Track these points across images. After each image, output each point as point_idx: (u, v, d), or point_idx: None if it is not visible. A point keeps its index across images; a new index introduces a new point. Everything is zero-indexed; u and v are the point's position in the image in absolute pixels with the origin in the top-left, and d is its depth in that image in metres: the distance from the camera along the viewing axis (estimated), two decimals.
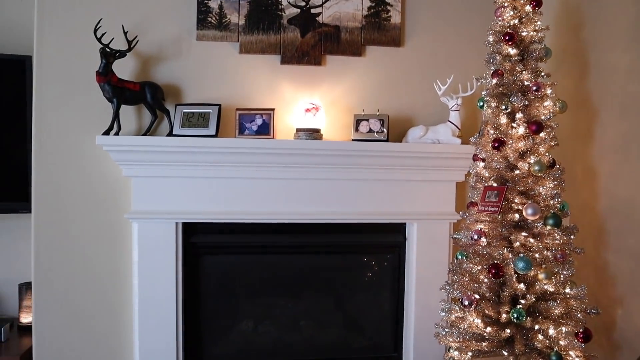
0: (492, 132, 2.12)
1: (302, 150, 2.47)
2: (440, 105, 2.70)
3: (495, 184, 2.06)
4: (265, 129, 2.49)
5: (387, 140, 2.57)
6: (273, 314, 2.77)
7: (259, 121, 2.50)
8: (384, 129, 2.56)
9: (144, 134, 2.52)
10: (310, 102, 2.51)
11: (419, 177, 2.66)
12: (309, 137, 2.48)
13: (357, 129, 2.58)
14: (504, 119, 2.08)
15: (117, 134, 2.44)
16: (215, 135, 2.45)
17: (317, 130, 2.51)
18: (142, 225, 2.52)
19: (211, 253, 2.69)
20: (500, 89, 2.12)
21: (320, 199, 2.60)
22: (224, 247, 2.69)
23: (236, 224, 2.61)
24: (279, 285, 2.77)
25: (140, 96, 2.45)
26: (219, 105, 2.50)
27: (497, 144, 2.06)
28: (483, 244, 2.07)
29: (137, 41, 2.47)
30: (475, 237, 2.09)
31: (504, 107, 2.07)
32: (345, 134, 2.66)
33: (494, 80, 2.14)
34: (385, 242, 2.77)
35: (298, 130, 2.52)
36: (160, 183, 2.50)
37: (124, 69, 2.51)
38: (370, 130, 2.56)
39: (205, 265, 2.68)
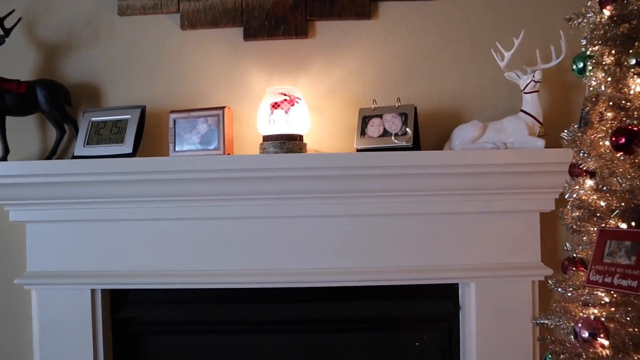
0: (609, 115, 1.03)
1: (269, 171, 1.50)
2: (504, 85, 1.64)
3: (624, 225, 0.96)
4: (211, 139, 1.55)
5: (415, 148, 1.54)
6: None
7: (202, 128, 1.57)
8: (408, 130, 1.53)
9: (47, 158, 1.69)
10: (280, 90, 1.54)
11: (476, 207, 1.59)
12: (279, 148, 1.51)
13: (363, 132, 1.57)
14: (635, 86, 0.99)
15: (3, 159, 1.62)
16: (132, 154, 1.56)
17: (295, 138, 1.54)
18: (44, 295, 1.66)
19: (159, 332, 1.78)
20: (621, 27, 1.03)
21: (310, 249, 1.60)
22: (176, 324, 1.76)
23: (190, 290, 1.68)
24: None
25: (30, 102, 1.62)
26: (142, 107, 1.61)
27: (624, 140, 0.97)
28: (603, 354, 0.97)
29: (19, 20, 1.65)
30: (585, 334, 1.00)
31: (632, 60, 0.99)
32: (347, 142, 1.66)
33: (606, 13, 1.06)
34: (423, 313, 1.71)
35: (264, 138, 1.56)
36: (65, 231, 1.64)
37: (21, 67, 1.71)
38: (386, 133, 1.55)
39: (148, 351, 1.77)
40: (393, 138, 1.52)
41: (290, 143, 1.51)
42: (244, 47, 1.72)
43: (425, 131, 1.64)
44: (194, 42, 1.73)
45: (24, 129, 1.74)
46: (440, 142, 1.66)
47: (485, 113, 1.68)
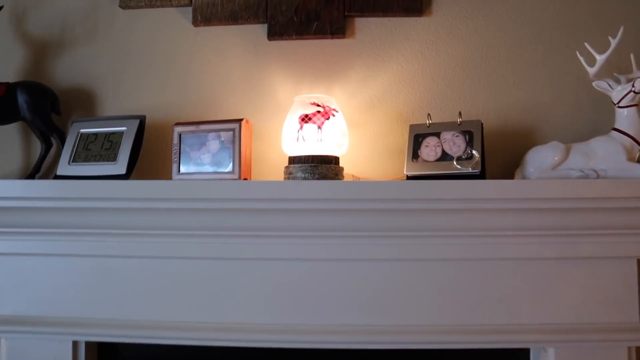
0: None
1: (296, 202, 1.17)
2: (588, 98, 1.31)
3: None
4: (224, 160, 1.24)
5: (482, 175, 1.20)
6: None
7: (214, 145, 1.26)
8: (475, 152, 1.20)
9: (29, 176, 1.40)
10: (313, 100, 1.23)
11: (558, 251, 1.24)
12: (309, 173, 1.19)
13: (415, 155, 1.25)
14: None
15: None
16: (126, 175, 1.25)
17: (329, 160, 1.22)
18: (15, 345, 1.35)
19: None
20: None
21: (343, 300, 1.27)
22: None
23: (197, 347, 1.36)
24: None
25: (9, 107, 1.34)
26: (140, 118, 1.31)
27: None
28: None
29: (1, 8, 1.38)
30: None
31: None
32: (394, 166, 1.34)
33: None
34: None
35: (290, 160, 1.24)
36: (44, 267, 1.33)
37: (4, 67, 1.44)
38: (445, 156, 1.22)
39: None
40: (455, 163, 1.19)
41: (324, 167, 1.19)
42: (268, 48, 1.42)
43: (492, 154, 1.31)
44: (208, 41, 1.44)
45: (4, 141, 1.46)
46: (507, 167, 1.34)
47: (564, 132, 1.35)
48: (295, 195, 1.16)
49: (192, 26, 1.43)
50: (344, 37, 1.40)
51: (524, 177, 1.27)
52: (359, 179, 1.35)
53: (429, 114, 1.28)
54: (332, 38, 1.40)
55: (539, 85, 1.38)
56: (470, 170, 1.18)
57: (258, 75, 1.42)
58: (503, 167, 1.33)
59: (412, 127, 1.29)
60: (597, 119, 1.33)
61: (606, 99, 1.26)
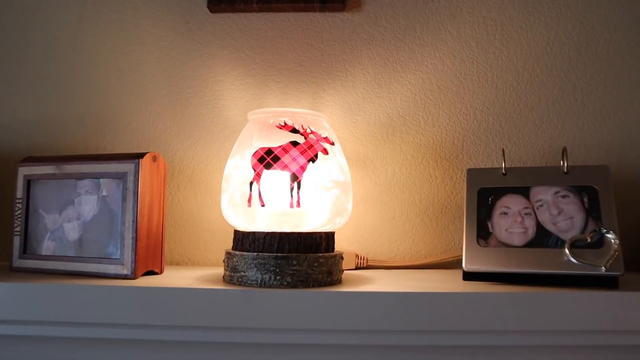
0: None
1: (240, 336, 0.56)
2: None
3: None
4: (105, 236, 0.62)
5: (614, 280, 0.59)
6: None
7: (88, 206, 0.64)
8: (610, 235, 0.59)
9: None
10: (281, 119, 0.61)
11: None
12: (271, 274, 0.57)
13: (484, 231, 0.64)
14: None
15: None
16: None
17: (315, 243, 0.59)
18: None
19: None
20: None
21: None
22: None
23: None
24: None
25: None
26: None
27: None
28: None
29: None
30: None
31: None
32: (431, 239, 0.73)
33: None
34: None
35: (236, 240, 0.62)
36: None
37: None
38: (543, 237, 0.61)
39: None
40: (568, 251, 0.59)
41: (305, 259, 0.57)
42: (209, 26, 0.81)
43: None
44: (100, 19, 0.82)
45: None
46: None
47: None
48: (242, 324, 0.54)
49: None
50: (343, 10, 0.80)
51: None
52: (367, 261, 0.74)
53: (503, 150, 0.67)
54: (322, 10, 0.80)
55: None
56: (603, 271, 0.57)
57: (187, 74, 0.80)
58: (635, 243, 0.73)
59: (471, 173, 0.68)
60: None
61: None
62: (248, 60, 0.80)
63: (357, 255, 0.75)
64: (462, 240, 0.75)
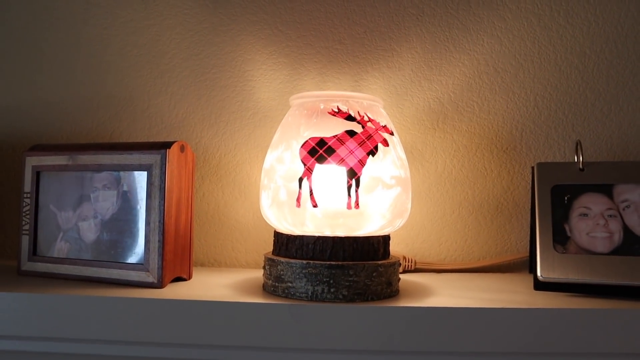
0: None
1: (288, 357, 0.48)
2: None
3: None
4: (125, 235, 0.54)
5: None
6: None
7: (106, 202, 0.56)
8: None
9: None
10: (335, 104, 0.52)
11: None
12: (325, 285, 0.49)
13: (561, 235, 0.56)
14: None
15: None
16: None
17: (373, 249, 0.51)
18: None
19: None
20: None
21: None
22: None
23: None
24: None
25: None
26: None
27: None
28: None
29: None
30: None
31: None
32: (488, 238, 0.65)
33: None
34: None
35: (279, 244, 0.54)
36: None
37: None
38: (631, 242, 0.53)
39: None
40: None
41: (363, 270, 0.49)
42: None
43: None
44: None
45: None
46: None
47: None
48: (290, 344, 0.47)
49: None
50: None
51: None
52: (415, 264, 0.67)
53: (578, 142, 0.59)
54: None
55: None
56: None
57: (213, 52, 0.71)
58: None
59: (541, 167, 0.60)
60: None
61: None
62: (282, 37, 0.71)
63: (404, 257, 0.67)
64: (525, 242, 0.68)
